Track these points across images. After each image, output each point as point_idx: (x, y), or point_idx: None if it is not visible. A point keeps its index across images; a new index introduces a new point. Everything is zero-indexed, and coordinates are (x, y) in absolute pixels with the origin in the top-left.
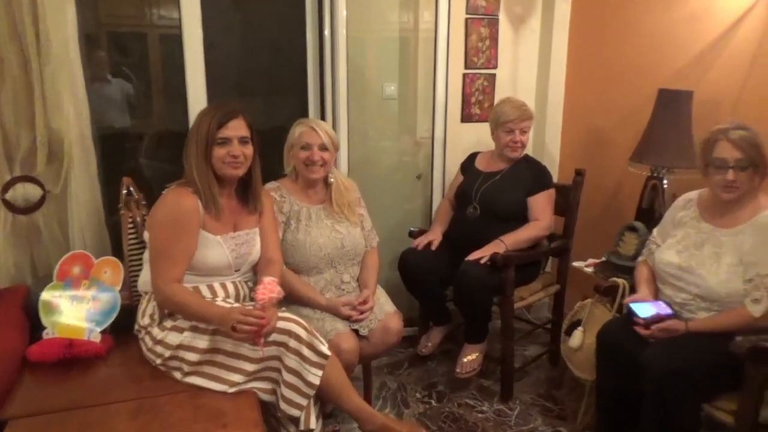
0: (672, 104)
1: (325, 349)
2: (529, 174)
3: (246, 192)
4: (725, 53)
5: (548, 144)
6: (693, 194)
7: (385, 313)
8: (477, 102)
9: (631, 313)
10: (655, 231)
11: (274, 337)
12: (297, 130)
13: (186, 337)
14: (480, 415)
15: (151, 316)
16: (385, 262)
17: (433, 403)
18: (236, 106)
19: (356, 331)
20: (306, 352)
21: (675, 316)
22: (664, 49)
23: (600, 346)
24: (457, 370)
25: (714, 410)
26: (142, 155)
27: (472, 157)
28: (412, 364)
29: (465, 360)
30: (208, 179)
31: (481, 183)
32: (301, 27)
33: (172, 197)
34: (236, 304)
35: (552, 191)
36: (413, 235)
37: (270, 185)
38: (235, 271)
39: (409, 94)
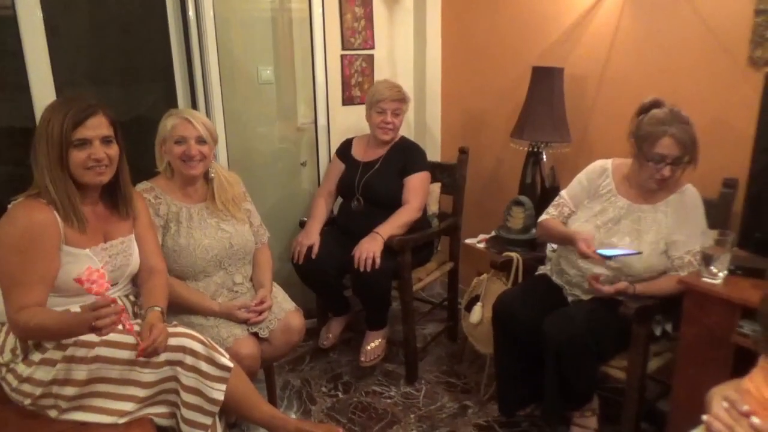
0: (545, 81)
1: (226, 360)
2: (405, 156)
3: (114, 196)
4: (589, 30)
5: (429, 124)
6: (606, 163)
7: (285, 311)
8: (357, 84)
9: (603, 256)
10: (564, 193)
11: (166, 356)
12: (169, 123)
13: (60, 370)
14: (388, 400)
15: (13, 351)
16: (276, 254)
17: (340, 395)
18: (92, 99)
19: (256, 334)
20: (205, 367)
21: (638, 253)
22: (535, 26)
23: (495, 318)
24: (362, 359)
25: (609, 369)
26: None
27: (348, 144)
28: (314, 358)
29: (368, 348)
30: (66, 188)
31: (362, 174)
32: (158, 6)
33: (20, 213)
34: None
35: (425, 174)
36: (304, 225)
37: (142, 186)
38: (112, 285)
39: (287, 77)
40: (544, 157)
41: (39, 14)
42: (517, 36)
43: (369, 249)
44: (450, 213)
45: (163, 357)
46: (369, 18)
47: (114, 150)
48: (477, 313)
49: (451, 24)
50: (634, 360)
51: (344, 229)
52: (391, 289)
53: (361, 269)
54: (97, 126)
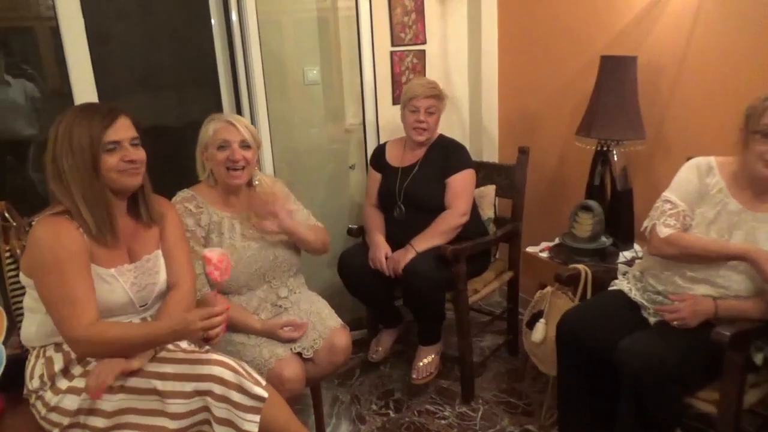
0: (616, 71)
1: (259, 390)
2: (445, 156)
3: (137, 206)
4: (666, 13)
5: (485, 122)
6: (709, 160)
7: (330, 329)
8: (408, 82)
9: None
10: (673, 196)
11: (194, 385)
12: (211, 127)
13: (85, 400)
14: (443, 421)
15: (41, 378)
16: (323, 261)
17: (391, 414)
18: (109, 103)
19: (299, 354)
20: (236, 396)
21: None
22: (603, 12)
23: (560, 339)
24: (413, 376)
25: (696, 401)
26: (31, 168)
27: (381, 150)
28: (364, 371)
29: (421, 364)
30: (104, 198)
31: (401, 181)
32: (203, 10)
33: (46, 232)
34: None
35: (468, 172)
36: (352, 233)
37: (183, 194)
38: (141, 306)
39: (334, 77)
40: (615, 156)
41: (81, 22)
42: (583, 23)
43: (396, 260)
44: (509, 218)
45: (191, 387)
46: (420, 11)
47: (142, 153)
48: (540, 331)
49: (509, 13)
50: (728, 393)
51: (390, 239)
52: (444, 302)
53: (386, 272)
54: (126, 128)
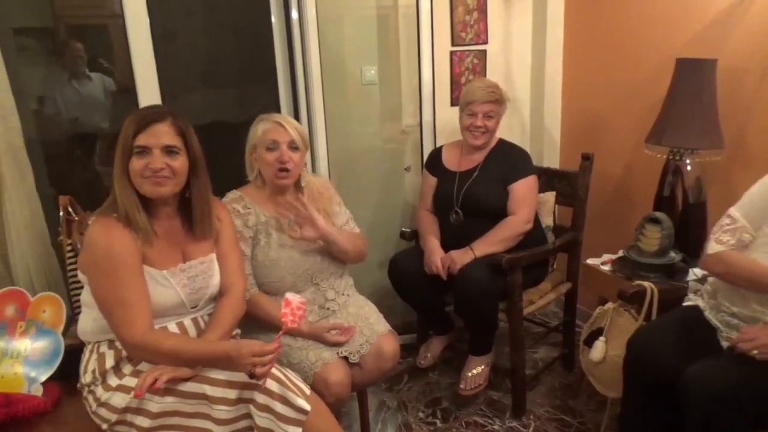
0: (693, 75)
1: (302, 402)
2: (507, 161)
3: (190, 213)
4: (751, 13)
5: (548, 125)
6: None
7: (377, 334)
8: (468, 83)
9: None
10: (736, 211)
11: (237, 393)
12: (260, 128)
13: (133, 399)
14: None
15: (93, 373)
16: (374, 263)
17: (438, 423)
18: (167, 107)
19: (346, 358)
20: (279, 408)
21: None
22: (679, 11)
23: (630, 360)
24: (461, 386)
25: None
26: (97, 162)
27: (437, 154)
28: (412, 377)
29: (470, 375)
30: (130, 199)
31: (460, 185)
32: (265, 7)
33: (99, 234)
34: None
35: (533, 178)
36: (405, 236)
37: (231, 195)
38: (192, 308)
39: (392, 77)
40: (688, 165)
41: (145, 18)
42: (657, 23)
43: (453, 260)
44: (569, 227)
45: (235, 394)
46: (482, 9)
47: (179, 162)
48: (599, 350)
49: (576, 11)
50: None
51: (445, 245)
52: (497, 311)
53: (442, 275)
54: (161, 134)
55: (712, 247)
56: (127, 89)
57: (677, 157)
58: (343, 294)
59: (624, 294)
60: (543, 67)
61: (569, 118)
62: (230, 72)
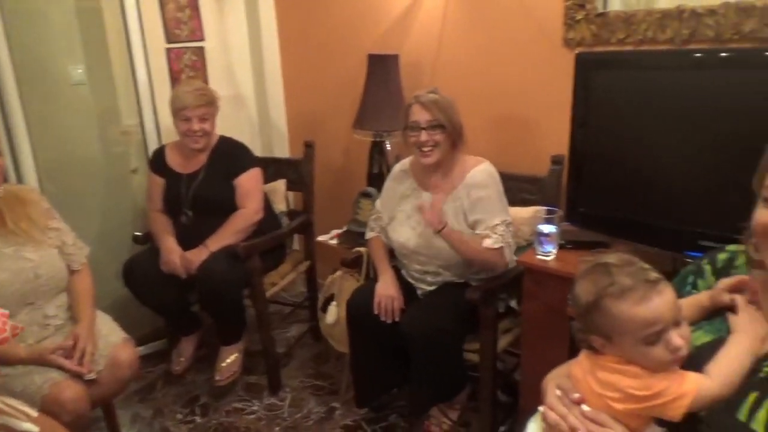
0: (381, 68)
1: (29, 426)
2: (229, 158)
3: None
4: (420, 16)
5: (274, 118)
6: (404, 164)
7: (111, 345)
8: (189, 80)
9: None
10: (378, 204)
11: None
12: None
13: None
14: (251, 416)
15: None
16: (110, 273)
17: (197, 419)
18: None
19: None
20: None
21: None
22: (369, 14)
23: (350, 316)
24: (217, 378)
25: (464, 354)
26: None
27: (161, 153)
28: (167, 383)
29: (224, 365)
30: None
31: (187, 187)
32: None
33: None
34: None
35: (256, 170)
36: (139, 240)
37: None
38: None
39: (103, 76)
40: (388, 146)
41: None
42: (353, 24)
43: (190, 260)
44: (301, 210)
45: None
46: (194, 6)
47: None
48: (332, 313)
49: (287, 13)
50: (486, 341)
51: (180, 246)
52: (242, 299)
53: (181, 273)
54: None
55: (368, 234)
56: None
57: (379, 139)
58: (67, 308)
59: (345, 261)
60: (263, 65)
61: (293, 111)
62: None
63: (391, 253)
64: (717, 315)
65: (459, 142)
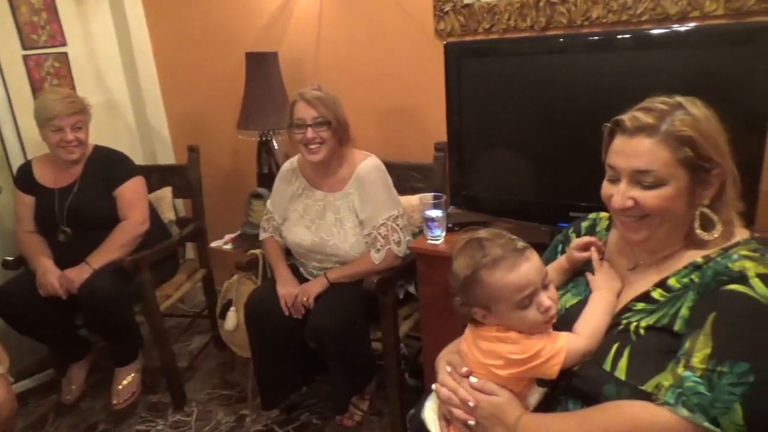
0: (261, 67)
1: None
2: (106, 167)
3: None
4: (296, 12)
5: (154, 125)
6: (293, 163)
7: None
8: (54, 87)
9: None
10: (269, 205)
11: None
12: None
13: None
14: None
15: None
16: None
17: None
18: None
19: None
20: None
21: None
22: (245, 10)
23: (249, 318)
24: (114, 402)
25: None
26: None
27: (27, 169)
28: (59, 414)
29: (120, 387)
30: None
31: (61, 202)
32: None
33: None
34: None
35: (138, 179)
36: (10, 265)
37: None
38: None
39: None
40: (276, 144)
41: None
42: (229, 22)
43: (70, 279)
44: (191, 217)
45: None
46: (51, 9)
47: None
48: (232, 319)
49: (157, 13)
50: (387, 328)
51: (58, 266)
52: (133, 316)
53: (61, 294)
54: None
55: (261, 235)
56: None
57: (265, 138)
58: None
59: (240, 264)
60: (135, 68)
61: (174, 115)
62: None
63: (288, 251)
64: (580, 276)
65: (345, 137)
